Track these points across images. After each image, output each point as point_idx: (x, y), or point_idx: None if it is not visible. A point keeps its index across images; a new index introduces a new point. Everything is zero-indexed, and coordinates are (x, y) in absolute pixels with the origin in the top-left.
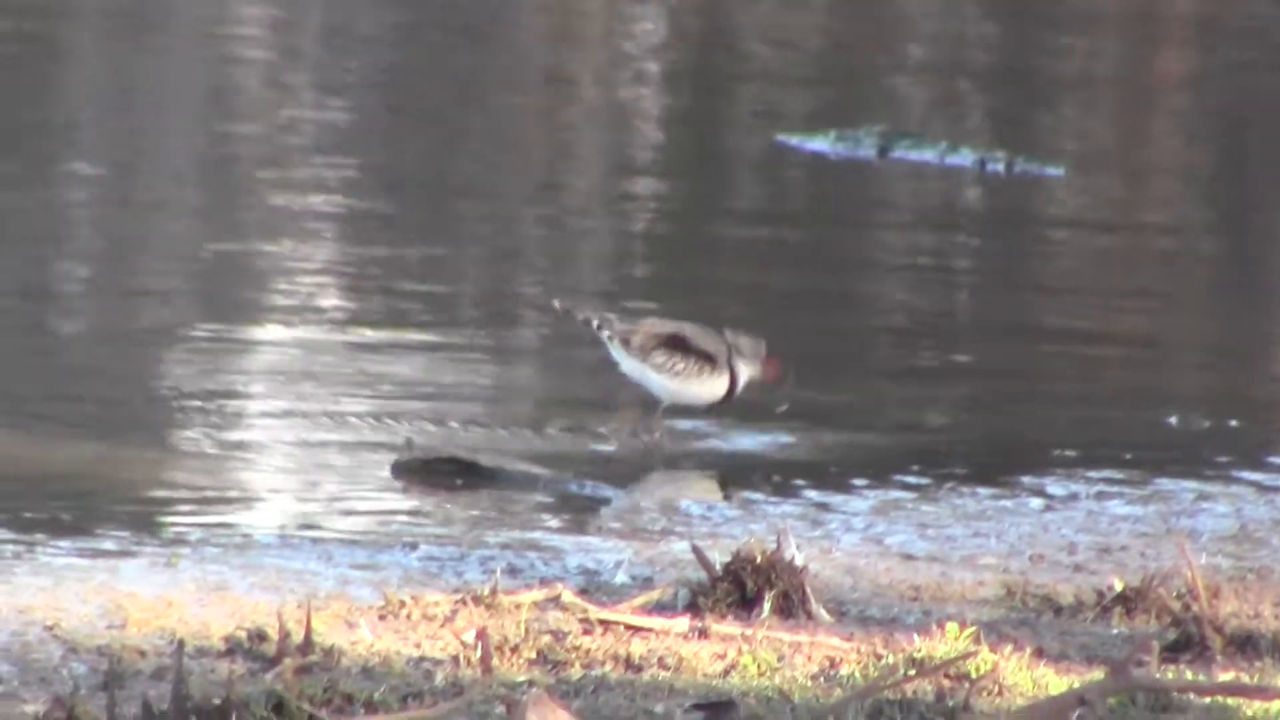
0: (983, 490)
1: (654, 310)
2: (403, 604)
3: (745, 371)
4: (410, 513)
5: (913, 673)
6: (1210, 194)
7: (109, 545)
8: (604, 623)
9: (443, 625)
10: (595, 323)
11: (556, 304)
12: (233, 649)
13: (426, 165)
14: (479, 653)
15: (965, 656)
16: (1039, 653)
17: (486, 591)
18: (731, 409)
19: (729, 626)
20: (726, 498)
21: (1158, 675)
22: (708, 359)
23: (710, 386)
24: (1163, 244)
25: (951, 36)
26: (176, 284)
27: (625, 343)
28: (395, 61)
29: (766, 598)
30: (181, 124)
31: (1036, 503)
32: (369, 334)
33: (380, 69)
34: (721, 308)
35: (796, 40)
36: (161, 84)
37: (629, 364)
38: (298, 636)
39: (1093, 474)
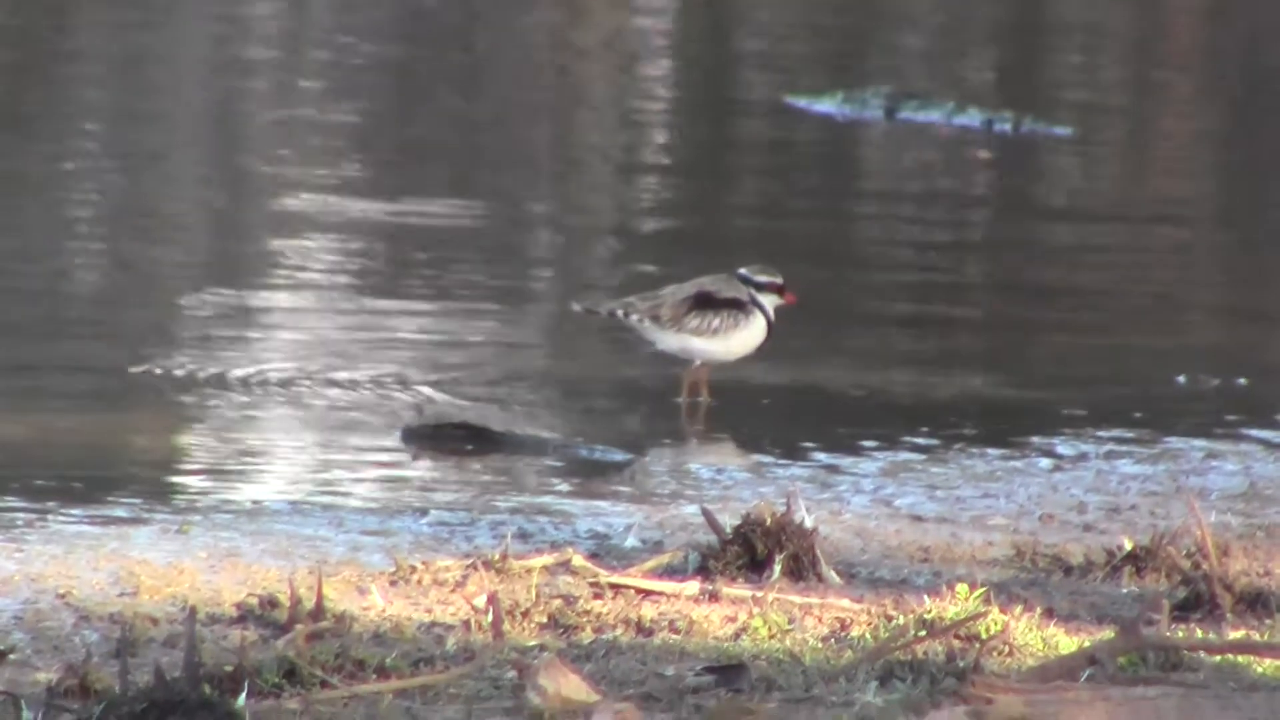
0: (992, 451)
1: (663, 277)
2: (413, 569)
3: (770, 304)
4: (421, 478)
5: (923, 634)
6: (1221, 154)
7: (120, 513)
8: (614, 587)
9: (454, 590)
10: (621, 312)
11: (576, 307)
12: (244, 616)
13: (435, 131)
14: (490, 617)
15: (975, 617)
16: (1049, 613)
17: (497, 556)
18: (745, 370)
19: (739, 589)
20: (736, 461)
21: (1168, 634)
22: (737, 306)
23: (751, 332)
24: (1172, 203)
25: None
26: (185, 252)
27: (656, 319)
28: (407, 32)
29: (776, 560)
30: (188, 85)
31: (1045, 463)
32: (379, 301)
33: (388, 42)
34: (730, 266)
35: (804, 2)
36: (169, 49)
37: (667, 339)
38: (309, 603)
39: (1102, 433)
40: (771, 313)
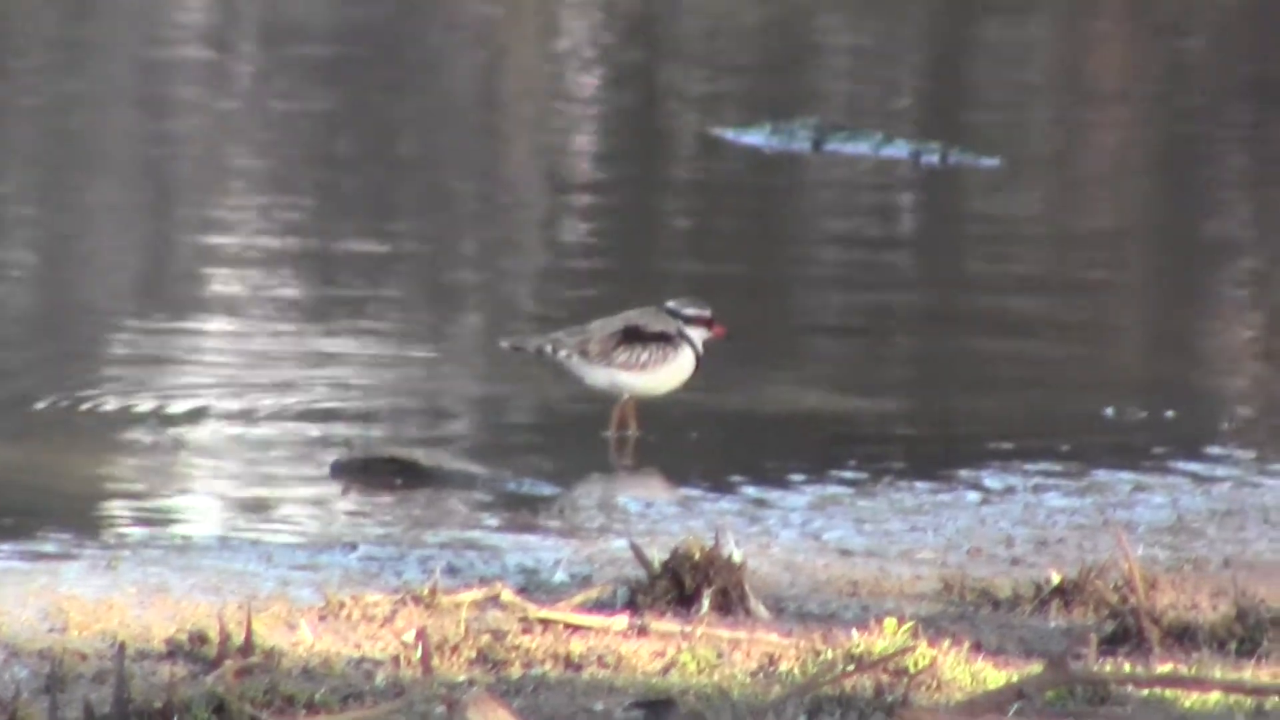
0: (920, 484)
1: (591, 311)
2: (343, 604)
3: (698, 338)
4: (349, 513)
5: (851, 668)
6: (1149, 182)
7: (49, 548)
8: (543, 621)
9: (383, 625)
10: (548, 348)
11: (505, 344)
12: (174, 651)
13: (361, 168)
14: (419, 652)
15: (903, 651)
16: (977, 647)
17: (426, 591)
18: (672, 404)
19: (668, 624)
20: (664, 495)
21: (1096, 668)
22: (665, 339)
23: (680, 366)
24: (1098, 235)
25: (885, 30)
26: (115, 286)
27: (584, 354)
28: (339, 53)
29: (705, 595)
30: (119, 122)
31: (973, 496)
32: (308, 337)
33: (321, 60)
34: (658, 300)
35: (731, 32)
36: (100, 78)
37: (595, 374)
38: (238, 638)
39: (1029, 466)
40: (700, 346)
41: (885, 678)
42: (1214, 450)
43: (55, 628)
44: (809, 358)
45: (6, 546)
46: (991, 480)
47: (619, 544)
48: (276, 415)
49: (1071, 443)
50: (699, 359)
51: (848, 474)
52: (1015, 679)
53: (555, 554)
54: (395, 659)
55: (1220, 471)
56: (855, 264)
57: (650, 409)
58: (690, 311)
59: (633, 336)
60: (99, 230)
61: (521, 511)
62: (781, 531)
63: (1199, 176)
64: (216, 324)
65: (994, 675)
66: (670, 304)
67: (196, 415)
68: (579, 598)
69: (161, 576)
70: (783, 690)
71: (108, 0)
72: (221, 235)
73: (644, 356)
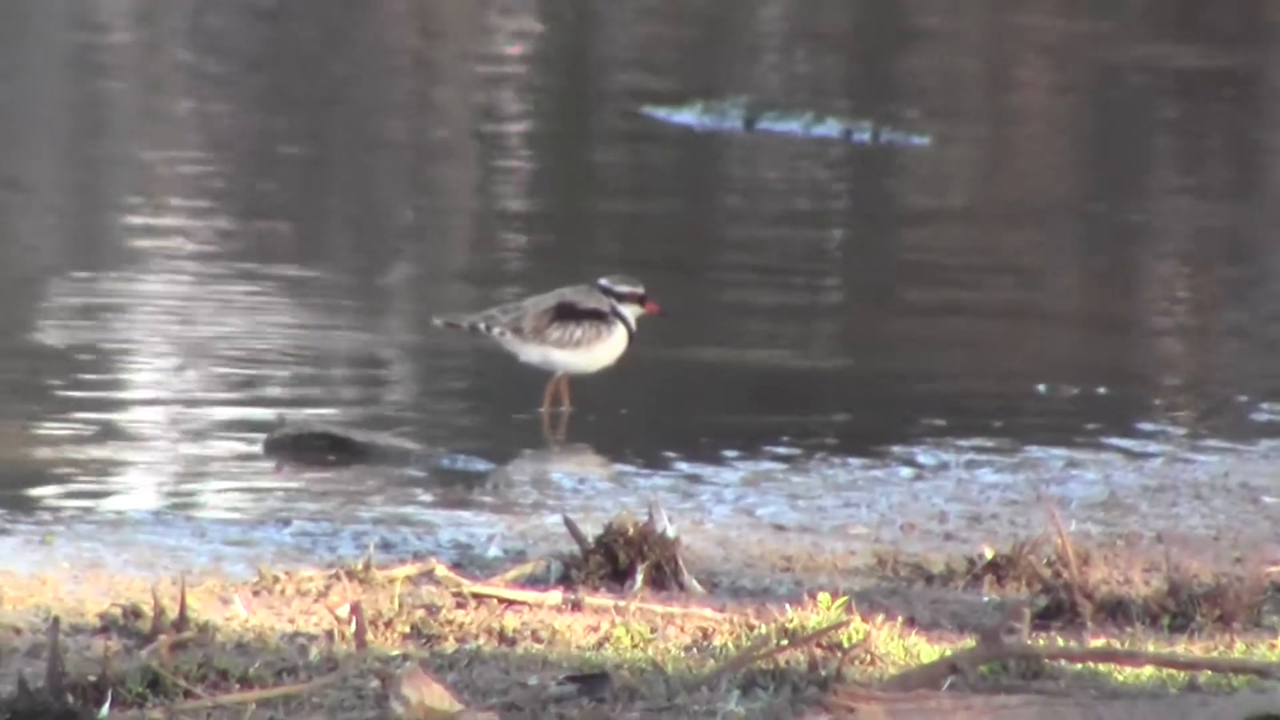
0: (853, 460)
1: (524, 290)
2: (276, 579)
3: (631, 315)
4: (283, 489)
5: (785, 643)
6: (1079, 158)
7: None
8: (477, 596)
9: (317, 600)
10: (481, 325)
11: (437, 322)
12: (108, 626)
13: (296, 140)
14: (353, 627)
15: (837, 626)
16: (911, 621)
17: (360, 566)
18: (606, 380)
19: (602, 599)
20: (598, 470)
21: (1029, 642)
22: (599, 316)
23: (613, 343)
24: (1030, 212)
25: (812, 3)
26: (41, 260)
27: (518, 331)
28: (270, 35)
29: (639, 570)
30: (48, 85)
31: (907, 472)
32: (240, 313)
33: (254, 41)
34: (590, 277)
35: (663, 11)
36: (22, 43)
37: (529, 351)
38: (172, 613)
39: (962, 443)
40: (633, 323)
41: (819, 652)
42: (1146, 426)
43: None
44: (742, 335)
45: None
46: (925, 456)
47: (553, 519)
48: (209, 391)
49: (1004, 419)
50: (631, 336)
51: (781, 450)
52: (948, 653)
53: (489, 529)
54: (329, 634)
55: (1152, 448)
56: (785, 241)
57: (584, 385)
58: (623, 289)
59: (566, 314)
60: (24, 205)
61: (455, 487)
62: (715, 507)
63: (1131, 152)
64: (146, 298)
65: (927, 649)
66: (603, 281)
67: (127, 390)
68: (513, 573)
69: (95, 552)
70: (716, 665)
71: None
72: (151, 211)
73: (577, 334)
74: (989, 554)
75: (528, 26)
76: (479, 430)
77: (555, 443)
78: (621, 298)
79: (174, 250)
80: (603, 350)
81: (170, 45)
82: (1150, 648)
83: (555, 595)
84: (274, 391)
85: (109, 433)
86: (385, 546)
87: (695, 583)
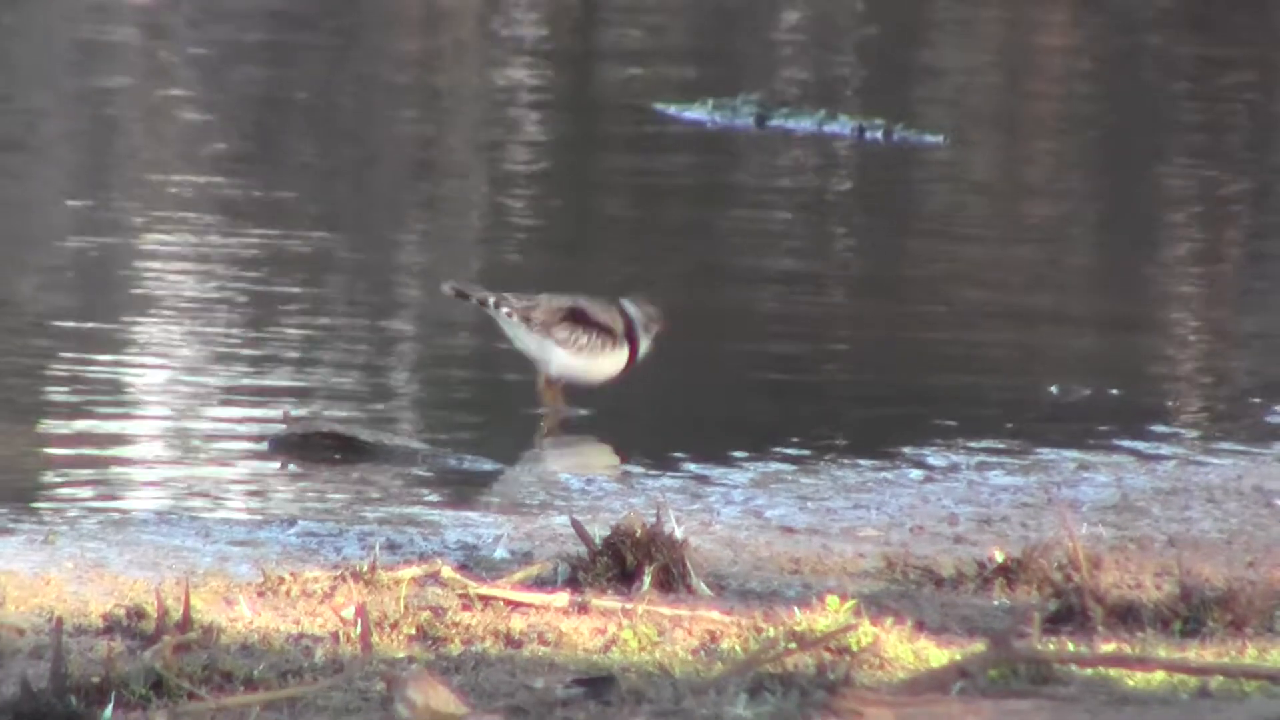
0: (863, 462)
1: (540, 286)
2: (281, 580)
3: (645, 341)
4: (288, 489)
5: (793, 646)
6: (1093, 159)
7: None
8: (483, 598)
9: (322, 602)
10: (492, 301)
11: (447, 288)
12: (111, 627)
13: (301, 145)
14: (358, 629)
15: (846, 629)
16: (920, 625)
17: (365, 567)
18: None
19: (609, 601)
20: (605, 471)
21: (1039, 647)
22: (607, 332)
23: (612, 360)
24: (1044, 211)
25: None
26: (47, 262)
27: (526, 319)
28: (268, 40)
29: (646, 572)
30: (53, 103)
31: (917, 474)
32: (246, 313)
33: (251, 48)
34: (601, 278)
35: (674, 7)
36: (29, 53)
37: (529, 340)
38: (176, 614)
39: (973, 444)
40: (643, 351)
41: (827, 656)
42: (1158, 429)
43: None
44: (751, 335)
45: None
46: (935, 458)
47: (560, 520)
48: (215, 391)
49: (1016, 421)
50: (634, 364)
51: (790, 451)
52: (958, 657)
53: (496, 530)
54: (334, 635)
55: (1164, 450)
56: (798, 239)
57: (594, 387)
58: (643, 313)
59: (578, 318)
60: (33, 215)
61: (462, 487)
62: (723, 509)
63: (1146, 153)
64: (154, 299)
65: (937, 654)
66: (626, 302)
67: (133, 390)
68: (519, 574)
69: (99, 552)
70: (724, 668)
71: None
72: (157, 208)
73: (582, 340)
74: (999, 557)
75: (538, 17)
76: (486, 430)
77: (562, 443)
78: (640, 323)
79: (180, 249)
80: (598, 365)
81: (178, 40)
82: (1161, 653)
83: (562, 597)
84: (280, 391)
85: (113, 432)
86: (391, 547)
87: (703, 585)
